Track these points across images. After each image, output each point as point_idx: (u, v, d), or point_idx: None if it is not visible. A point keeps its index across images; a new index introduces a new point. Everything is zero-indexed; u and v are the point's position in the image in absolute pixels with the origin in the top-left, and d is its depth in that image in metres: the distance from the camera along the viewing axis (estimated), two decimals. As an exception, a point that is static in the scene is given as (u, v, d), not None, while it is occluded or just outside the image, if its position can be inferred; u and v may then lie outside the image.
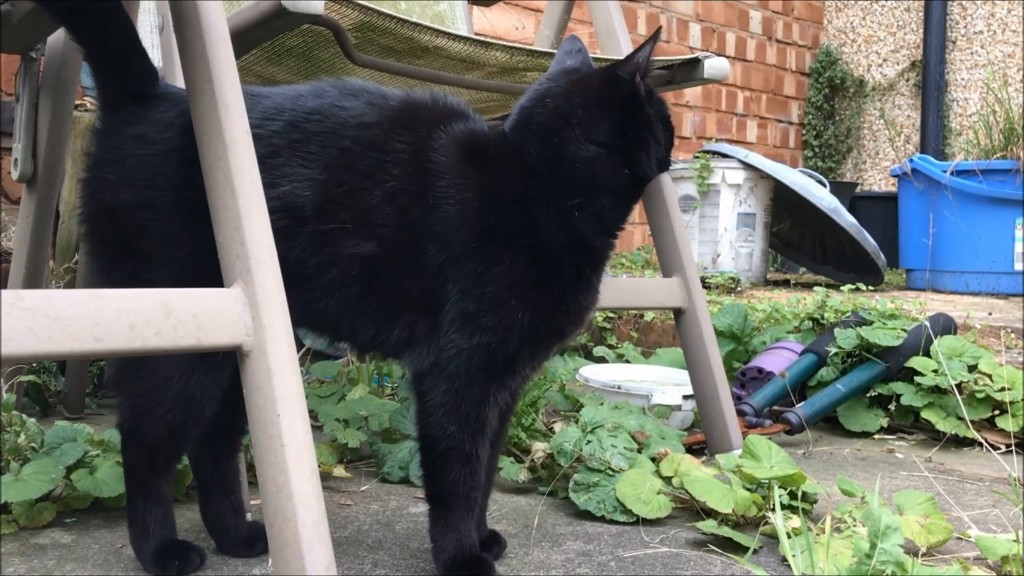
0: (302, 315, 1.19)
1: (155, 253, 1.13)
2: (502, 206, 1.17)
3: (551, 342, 1.23)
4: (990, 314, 2.89)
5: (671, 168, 1.32)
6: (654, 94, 1.24)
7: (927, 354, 2.17)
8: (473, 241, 1.15)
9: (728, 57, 5.11)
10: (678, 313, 1.90)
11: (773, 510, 1.32)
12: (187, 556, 1.21)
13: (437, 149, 1.17)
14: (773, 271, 4.77)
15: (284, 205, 1.13)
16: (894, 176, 4.21)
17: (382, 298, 1.17)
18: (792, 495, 1.44)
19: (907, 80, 5.54)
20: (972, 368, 2.14)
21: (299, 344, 2.17)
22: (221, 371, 1.14)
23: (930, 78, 5.31)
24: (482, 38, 1.55)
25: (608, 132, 1.19)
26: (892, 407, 2.17)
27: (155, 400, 1.15)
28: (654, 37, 1.19)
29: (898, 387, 2.15)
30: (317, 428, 1.87)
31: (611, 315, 2.98)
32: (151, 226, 1.12)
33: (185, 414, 1.16)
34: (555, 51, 1.68)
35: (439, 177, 1.16)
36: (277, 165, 1.14)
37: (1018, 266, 3.73)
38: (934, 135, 5.29)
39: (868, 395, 2.18)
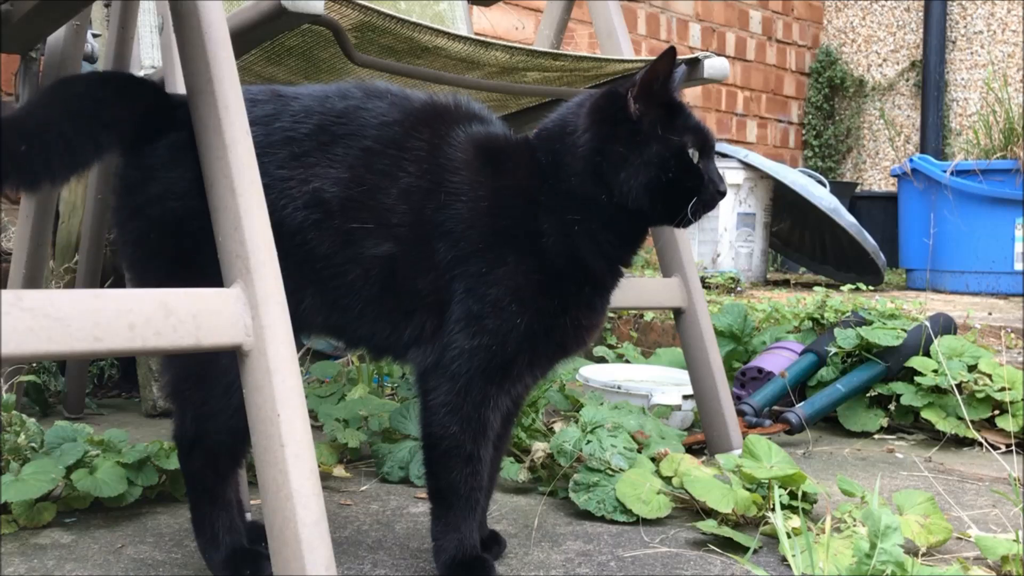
0: (328, 315, 1.19)
1: (211, 264, 1.06)
2: (513, 208, 1.18)
3: (552, 353, 1.23)
4: (990, 314, 2.89)
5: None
6: (672, 128, 1.18)
7: (927, 354, 2.17)
8: (482, 241, 1.16)
9: (728, 57, 5.11)
10: (678, 313, 1.90)
11: (773, 510, 1.32)
12: (259, 563, 1.17)
13: (454, 147, 1.18)
14: (773, 271, 4.77)
15: (315, 200, 1.14)
16: (894, 176, 4.21)
17: (398, 296, 1.18)
18: (792, 495, 1.44)
19: (907, 80, 5.54)
20: (972, 368, 2.14)
21: (299, 344, 2.17)
22: None
23: (930, 78, 5.30)
24: (482, 38, 1.55)
25: (592, 144, 1.17)
26: (892, 407, 2.17)
27: (219, 407, 1.14)
28: (662, 57, 1.17)
29: (898, 387, 2.15)
30: (317, 428, 1.87)
31: (611, 315, 2.98)
32: (205, 236, 1.07)
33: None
34: (555, 51, 1.69)
35: (453, 173, 1.17)
36: (309, 165, 1.15)
37: (1018, 266, 3.73)
38: (934, 135, 5.28)
39: (868, 395, 2.18)
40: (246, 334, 0.99)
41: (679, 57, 1.79)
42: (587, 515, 1.49)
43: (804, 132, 5.69)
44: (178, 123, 1.12)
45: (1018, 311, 3.02)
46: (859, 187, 5.36)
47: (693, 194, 1.19)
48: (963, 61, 5.31)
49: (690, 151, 1.18)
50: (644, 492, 1.47)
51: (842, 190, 4.62)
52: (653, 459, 1.59)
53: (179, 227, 1.12)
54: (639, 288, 1.88)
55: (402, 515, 1.50)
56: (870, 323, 2.27)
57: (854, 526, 1.34)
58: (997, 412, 2.05)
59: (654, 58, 1.19)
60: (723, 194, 1.21)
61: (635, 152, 1.17)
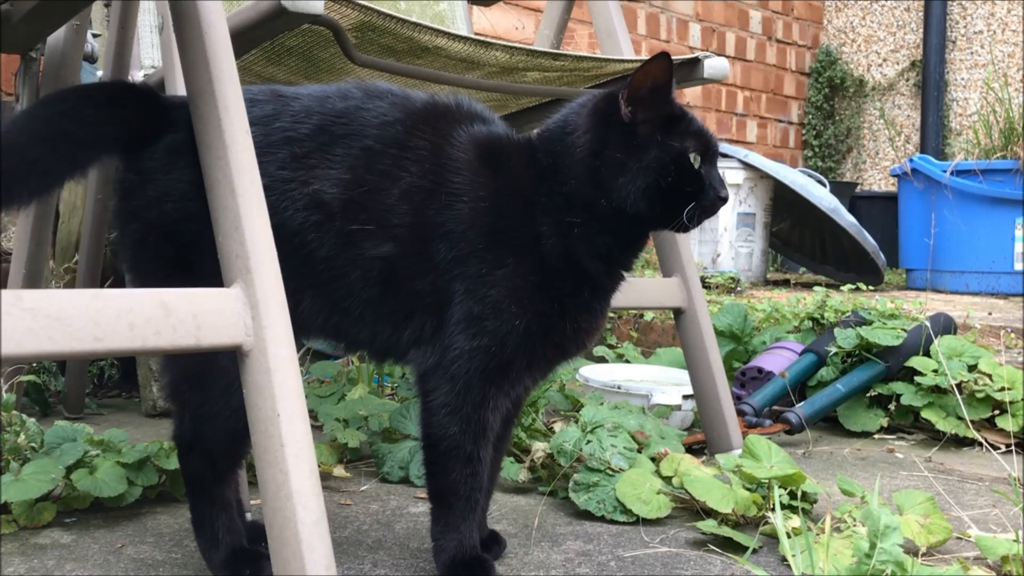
0: (328, 318, 1.19)
1: (208, 267, 1.07)
2: (513, 210, 1.18)
3: (551, 355, 1.22)
4: (990, 314, 2.89)
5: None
6: (673, 133, 1.17)
7: (927, 354, 2.17)
8: (482, 242, 1.16)
9: (728, 57, 5.11)
10: (678, 313, 1.90)
11: (773, 510, 1.32)
12: (259, 563, 1.17)
13: (455, 147, 1.18)
14: (773, 271, 4.77)
15: (316, 201, 1.14)
16: (894, 176, 4.21)
17: (398, 297, 1.17)
18: (792, 495, 1.44)
19: (907, 80, 5.54)
20: (972, 368, 2.14)
21: (299, 344, 2.18)
22: None
23: (930, 78, 5.31)
24: (482, 38, 1.55)
25: (591, 146, 1.17)
26: (892, 407, 2.17)
27: (217, 408, 1.14)
28: (653, 61, 1.15)
29: (898, 387, 2.15)
30: (317, 428, 1.87)
31: (611, 315, 2.98)
32: (204, 238, 1.07)
33: (246, 419, 1.14)
34: (555, 51, 1.69)
35: (454, 174, 1.16)
36: (310, 166, 1.15)
37: (1018, 266, 3.73)
38: (934, 135, 5.29)
39: (868, 395, 2.18)
40: (246, 334, 0.99)
41: (679, 57, 1.80)
42: (587, 515, 1.49)
43: (804, 132, 5.69)
44: (174, 125, 1.13)
45: (1018, 311, 3.02)
46: (859, 187, 5.36)
47: (693, 199, 1.17)
48: (963, 61, 5.31)
49: (691, 156, 1.17)
50: (644, 492, 1.47)
51: (842, 190, 4.62)
52: (653, 459, 1.59)
53: (177, 229, 1.12)
54: (639, 288, 1.88)
55: (402, 515, 1.50)
56: (870, 323, 2.27)
57: (854, 526, 1.34)
58: (997, 412, 2.05)
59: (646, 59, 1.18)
60: (724, 200, 1.20)
61: (633, 156, 1.16)
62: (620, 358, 2.67)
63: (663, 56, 1.16)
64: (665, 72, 1.16)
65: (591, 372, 2.29)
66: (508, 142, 1.22)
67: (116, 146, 1.12)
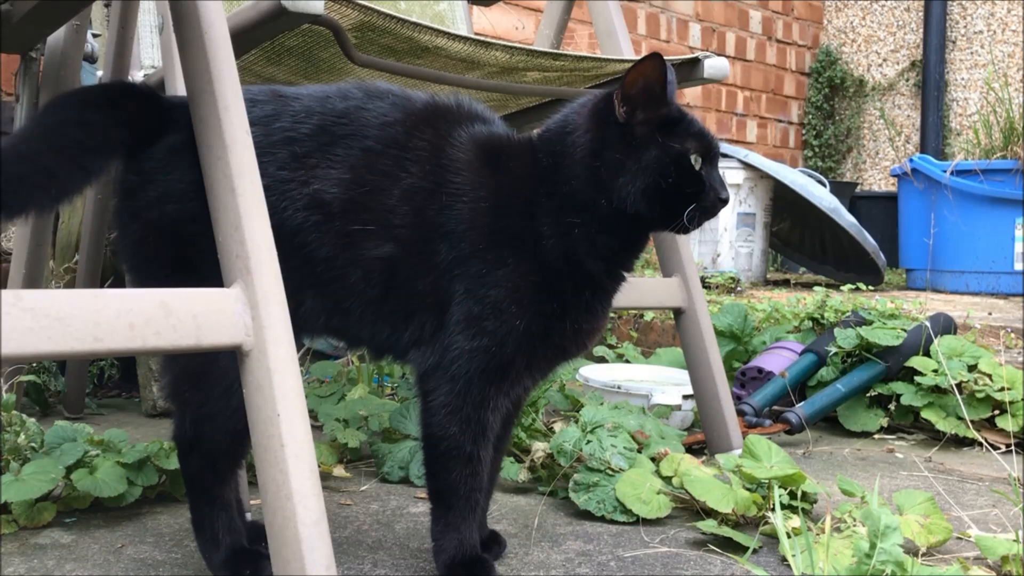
0: (329, 318, 1.19)
1: (208, 267, 1.07)
2: (514, 210, 1.18)
3: (552, 356, 1.22)
4: (990, 314, 2.89)
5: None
6: (673, 134, 1.17)
7: (927, 354, 2.17)
8: (482, 242, 1.16)
9: (728, 57, 5.11)
10: (678, 313, 1.90)
11: (773, 510, 1.32)
12: (259, 563, 1.17)
13: (456, 147, 1.18)
14: (773, 271, 4.77)
15: (316, 202, 1.14)
16: (894, 176, 4.21)
17: (399, 298, 1.18)
18: (792, 495, 1.44)
19: (907, 80, 5.54)
20: (972, 368, 2.14)
21: (300, 344, 2.18)
22: None
23: (930, 78, 5.31)
24: (482, 38, 1.55)
25: (591, 147, 1.17)
26: (892, 407, 2.17)
27: (218, 408, 1.14)
28: (646, 61, 1.15)
29: (898, 387, 2.15)
30: (317, 428, 1.87)
31: (611, 315, 2.97)
32: (204, 238, 1.07)
33: (246, 419, 1.14)
34: (555, 51, 1.69)
35: (456, 174, 1.16)
36: (310, 166, 1.15)
37: (1018, 266, 3.73)
38: (934, 135, 5.29)
39: (868, 395, 2.18)
40: (246, 334, 0.99)
41: (679, 57, 1.80)
42: (587, 515, 1.49)
43: (804, 132, 5.69)
44: (174, 126, 1.13)
45: (1018, 311, 3.02)
46: (859, 187, 5.36)
47: (693, 201, 1.17)
48: (963, 61, 5.31)
49: (692, 157, 1.17)
50: (644, 492, 1.47)
51: (842, 190, 4.62)
52: (653, 459, 1.59)
53: (177, 229, 1.12)
54: (639, 288, 1.88)
55: (402, 515, 1.50)
56: (870, 323, 2.27)
57: (854, 526, 1.34)
58: (997, 412, 2.05)
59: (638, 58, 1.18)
60: (725, 201, 1.19)
61: (632, 157, 1.16)
62: (620, 358, 2.67)
63: (655, 56, 1.15)
64: (657, 71, 1.15)
65: (591, 372, 2.29)
66: (508, 142, 1.22)
67: (122, 148, 1.12)
